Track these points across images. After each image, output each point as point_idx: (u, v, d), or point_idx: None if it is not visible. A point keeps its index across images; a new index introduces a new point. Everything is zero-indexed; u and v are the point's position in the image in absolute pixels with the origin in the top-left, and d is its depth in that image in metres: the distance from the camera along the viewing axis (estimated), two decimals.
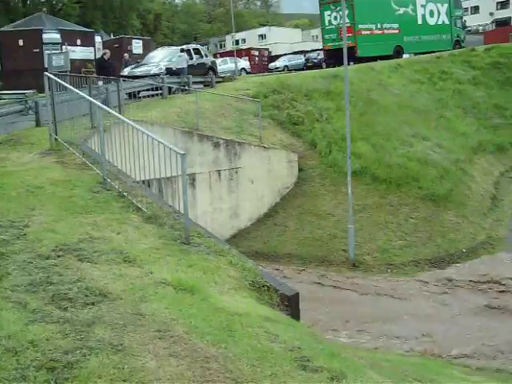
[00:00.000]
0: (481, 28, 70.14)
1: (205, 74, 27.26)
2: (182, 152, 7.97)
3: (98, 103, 10.51)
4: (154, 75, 23.54)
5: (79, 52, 38.47)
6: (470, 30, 62.20)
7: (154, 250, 7.33)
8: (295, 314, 7.45)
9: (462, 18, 45.22)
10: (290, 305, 7.45)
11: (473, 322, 12.94)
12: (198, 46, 30.92)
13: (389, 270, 16.83)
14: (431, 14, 40.51)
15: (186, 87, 22.97)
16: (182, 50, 26.80)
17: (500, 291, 14.38)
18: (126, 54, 24.83)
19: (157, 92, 21.46)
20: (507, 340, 11.84)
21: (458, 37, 42.53)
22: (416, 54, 38.34)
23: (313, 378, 4.62)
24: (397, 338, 12.26)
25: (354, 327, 12.96)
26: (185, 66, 25.18)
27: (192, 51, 27.55)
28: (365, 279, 16.14)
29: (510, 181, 25.32)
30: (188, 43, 46.31)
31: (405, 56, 38.05)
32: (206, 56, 29.61)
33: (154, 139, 8.62)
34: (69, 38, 37.86)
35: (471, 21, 68.69)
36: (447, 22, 41.57)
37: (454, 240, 18.43)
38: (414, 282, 15.80)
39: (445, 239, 18.37)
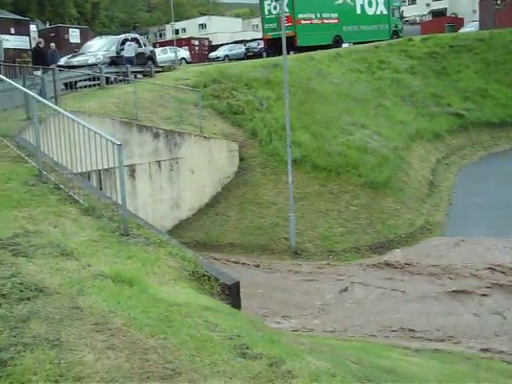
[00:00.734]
0: (418, 18, 71.72)
1: (144, 63, 26.93)
2: (119, 143, 7.90)
3: (33, 94, 10.29)
4: (92, 65, 23.12)
5: (13, 41, 37.49)
6: (407, 21, 63.52)
7: (91, 242, 7.25)
8: (236, 303, 7.51)
9: (399, 8, 46.27)
10: (231, 294, 7.51)
11: (409, 304, 13.25)
12: (137, 36, 30.45)
13: (330, 257, 17.07)
14: (370, 4, 41.18)
15: (125, 77, 22.62)
16: (133, 39, 26.64)
17: (436, 274, 14.75)
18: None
19: (95, 82, 21.05)
20: (440, 322, 12.20)
21: (395, 27, 43.45)
22: (355, 43, 38.87)
23: (252, 364, 4.67)
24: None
25: (294, 313, 13.10)
26: (133, 54, 24.92)
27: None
28: (305, 266, 16.31)
29: (447, 167, 26.06)
30: (127, 32, 45.63)
31: (344, 45, 38.55)
32: (145, 45, 29.26)
33: (90, 130, 8.49)
34: (2, 26, 36.83)
35: (408, 11, 70.28)
36: (385, 12, 42.38)
37: (394, 226, 18.81)
38: (353, 267, 16.05)
39: (384, 225, 18.73)
